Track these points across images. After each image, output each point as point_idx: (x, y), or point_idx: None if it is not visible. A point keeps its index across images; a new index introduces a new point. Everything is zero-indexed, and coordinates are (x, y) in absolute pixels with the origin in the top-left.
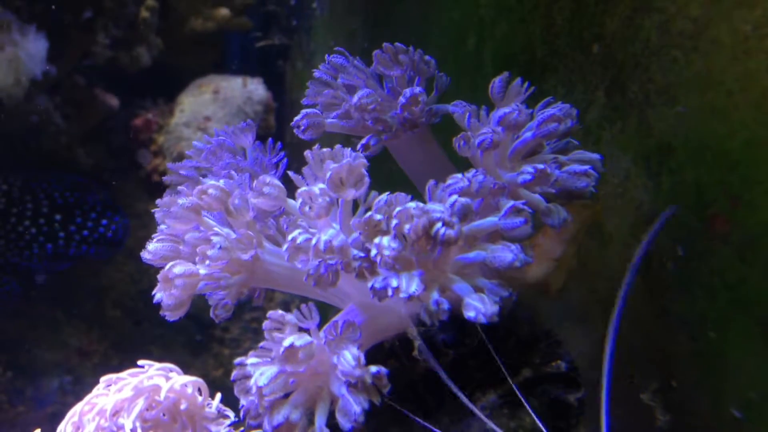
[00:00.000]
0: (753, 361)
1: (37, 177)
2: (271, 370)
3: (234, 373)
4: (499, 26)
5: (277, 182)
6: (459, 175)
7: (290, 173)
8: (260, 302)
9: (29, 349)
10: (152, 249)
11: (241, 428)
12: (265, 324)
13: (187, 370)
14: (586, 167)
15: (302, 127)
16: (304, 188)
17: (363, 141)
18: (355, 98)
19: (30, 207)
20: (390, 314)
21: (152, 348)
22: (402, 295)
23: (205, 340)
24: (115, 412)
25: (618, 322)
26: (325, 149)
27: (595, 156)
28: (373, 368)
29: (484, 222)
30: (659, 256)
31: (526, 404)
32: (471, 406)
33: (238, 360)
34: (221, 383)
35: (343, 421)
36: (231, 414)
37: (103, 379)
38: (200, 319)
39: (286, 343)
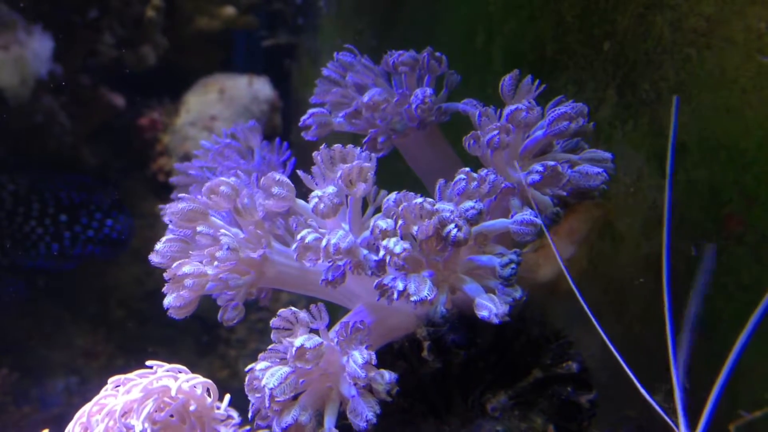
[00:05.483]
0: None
1: (43, 177)
2: (281, 371)
3: (248, 377)
4: (508, 23)
5: (287, 181)
6: (467, 169)
7: (299, 172)
8: (267, 302)
9: (35, 349)
10: (160, 249)
11: (247, 427)
12: (274, 321)
13: (192, 370)
14: (598, 167)
15: (309, 127)
16: (318, 192)
17: (370, 138)
18: (366, 97)
19: (36, 207)
20: (399, 314)
21: (158, 349)
22: (413, 299)
23: (211, 341)
24: (124, 413)
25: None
26: (335, 147)
27: (607, 155)
28: (384, 372)
29: (495, 223)
30: (672, 256)
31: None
32: None
33: (248, 367)
34: (227, 384)
35: (355, 421)
36: (235, 415)
37: (112, 380)
38: (206, 319)
39: (297, 343)
